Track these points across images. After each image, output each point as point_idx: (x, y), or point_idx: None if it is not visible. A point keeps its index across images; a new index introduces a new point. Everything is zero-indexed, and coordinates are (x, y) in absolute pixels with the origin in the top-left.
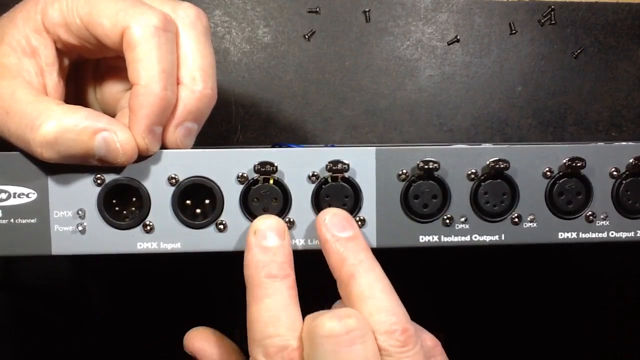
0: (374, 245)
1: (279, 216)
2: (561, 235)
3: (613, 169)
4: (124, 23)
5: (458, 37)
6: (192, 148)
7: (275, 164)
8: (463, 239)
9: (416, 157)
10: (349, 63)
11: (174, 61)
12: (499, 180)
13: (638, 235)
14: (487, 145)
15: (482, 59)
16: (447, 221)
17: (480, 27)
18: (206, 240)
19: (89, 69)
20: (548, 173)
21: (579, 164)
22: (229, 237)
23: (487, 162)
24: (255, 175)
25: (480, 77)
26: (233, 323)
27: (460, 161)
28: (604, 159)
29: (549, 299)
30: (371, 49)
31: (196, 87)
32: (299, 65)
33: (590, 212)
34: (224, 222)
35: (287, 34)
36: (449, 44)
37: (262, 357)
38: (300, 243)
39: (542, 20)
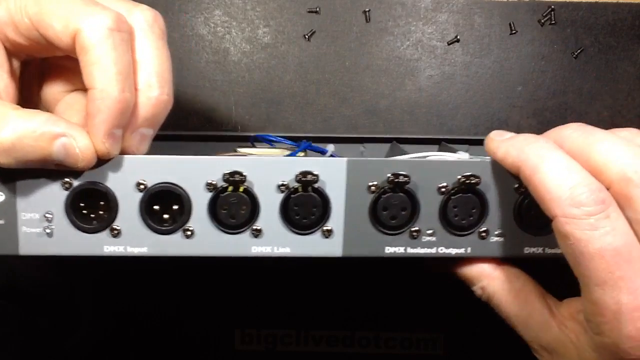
0: (340, 254)
1: (246, 224)
2: (527, 250)
3: None
4: (75, 25)
5: (458, 37)
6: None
7: (245, 173)
8: (429, 251)
9: (387, 169)
10: (349, 63)
11: (130, 62)
12: (469, 194)
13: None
14: (460, 156)
15: (482, 59)
16: (414, 233)
17: (480, 27)
18: (173, 245)
19: (33, 67)
20: (522, 189)
21: None
22: (196, 243)
23: (459, 177)
24: (224, 184)
25: (480, 77)
26: (233, 324)
27: (431, 175)
28: None
29: None
30: (371, 49)
31: (152, 93)
32: (299, 65)
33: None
34: (191, 229)
35: (287, 34)
36: (449, 44)
37: (572, 209)
38: (266, 250)
39: (542, 20)
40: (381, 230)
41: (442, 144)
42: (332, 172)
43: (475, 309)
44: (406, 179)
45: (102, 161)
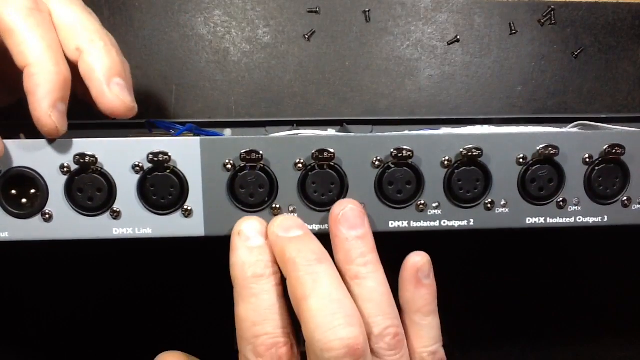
0: (202, 234)
1: (104, 206)
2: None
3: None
4: None
5: (458, 37)
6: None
7: (96, 155)
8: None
9: (240, 147)
10: (349, 63)
11: (56, 38)
12: (327, 170)
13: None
14: (328, 133)
15: (482, 59)
16: (275, 211)
17: (480, 27)
18: (32, 229)
19: None
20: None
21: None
22: (55, 226)
23: (313, 152)
24: (77, 167)
25: (480, 77)
26: (233, 324)
27: (287, 151)
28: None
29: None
30: (371, 49)
31: (97, 45)
32: (299, 65)
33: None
34: (49, 212)
35: (287, 34)
36: (449, 44)
37: (252, 355)
38: (128, 232)
39: (542, 20)
40: (241, 208)
41: (344, 125)
42: (186, 151)
43: (475, 310)
44: (258, 155)
45: None
